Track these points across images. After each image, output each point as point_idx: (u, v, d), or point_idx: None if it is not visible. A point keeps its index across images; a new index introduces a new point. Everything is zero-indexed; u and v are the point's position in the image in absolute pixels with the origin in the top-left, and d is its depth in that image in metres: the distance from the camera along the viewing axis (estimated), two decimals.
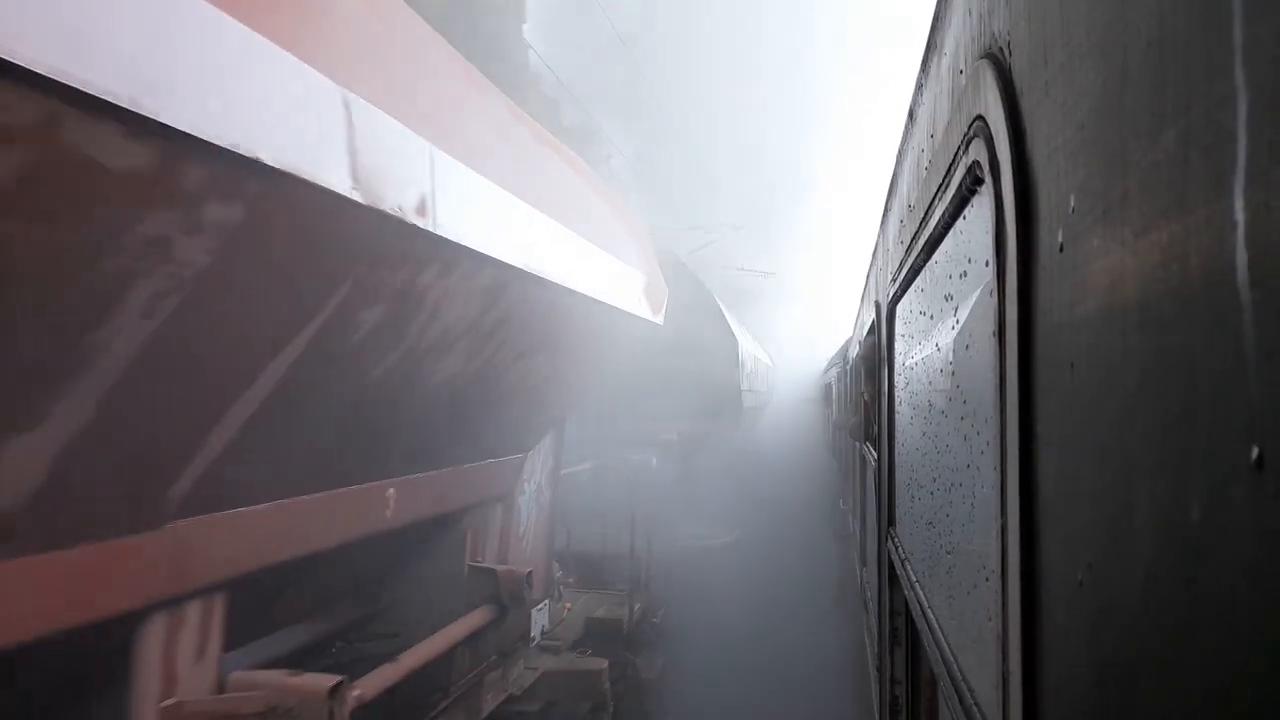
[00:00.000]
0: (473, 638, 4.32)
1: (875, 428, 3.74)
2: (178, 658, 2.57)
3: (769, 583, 10.24)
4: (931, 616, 1.75)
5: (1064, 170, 0.83)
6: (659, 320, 6.27)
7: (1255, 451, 0.45)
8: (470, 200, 3.00)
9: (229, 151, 1.87)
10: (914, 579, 2.12)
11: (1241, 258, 0.47)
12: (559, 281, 3.91)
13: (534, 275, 3.65)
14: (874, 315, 3.87)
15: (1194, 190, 0.53)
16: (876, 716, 3.50)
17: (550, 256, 3.81)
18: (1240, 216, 0.47)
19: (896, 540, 2.68)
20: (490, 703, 4.77)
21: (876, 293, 3.76)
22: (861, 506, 5.82)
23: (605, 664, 6.26)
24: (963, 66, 1.40)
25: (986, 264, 1.17)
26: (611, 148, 32.08)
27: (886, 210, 3.21)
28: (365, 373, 2.90)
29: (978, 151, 1.21)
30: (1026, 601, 0.92)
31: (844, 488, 9.51)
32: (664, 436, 10.00)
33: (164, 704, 2.52)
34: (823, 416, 17.71)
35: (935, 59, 1.79)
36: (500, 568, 4.75)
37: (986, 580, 1.14)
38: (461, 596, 4.43)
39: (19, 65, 1.44)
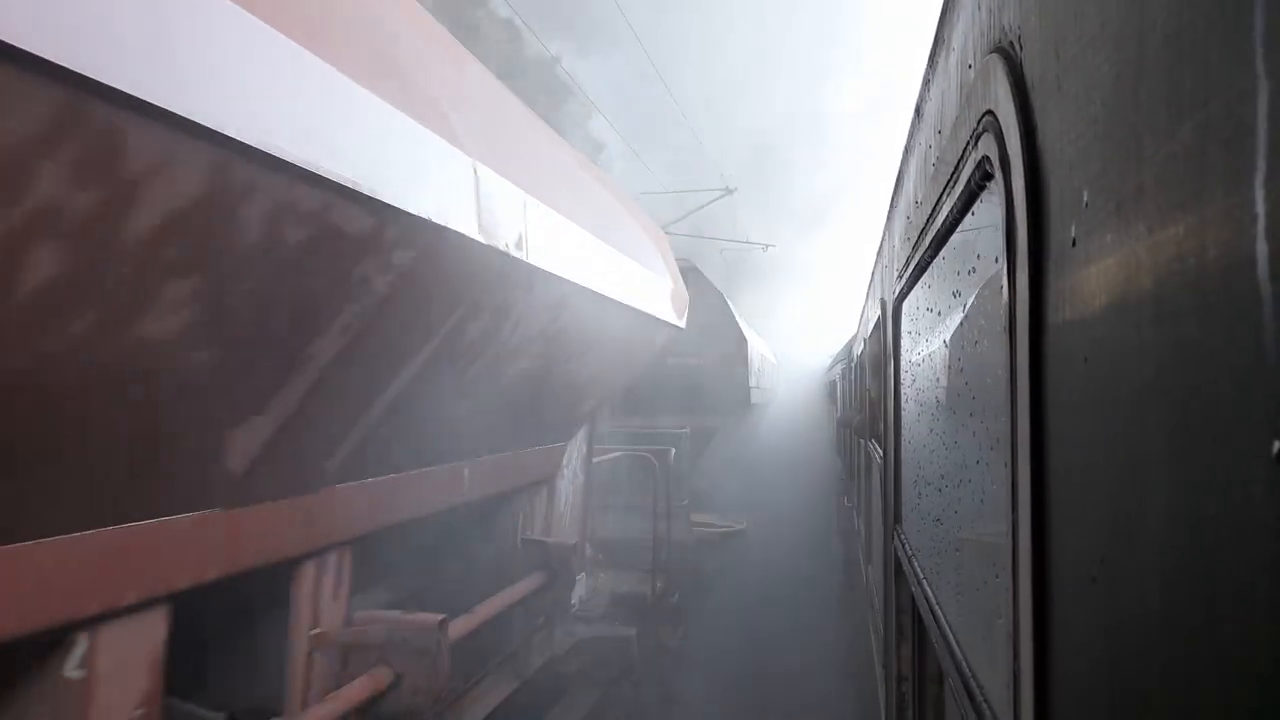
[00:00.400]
0: (523, 602, 4.94)
1: (881, 425, 3.73)
2: (321, 597, 3.35)
3: (777, 568, 11.10)
4: (939, 613, 1.74)
5: (1076, 164, 0.83)
6: (682, 324, 6.93)
7: (1276, 446, 0.45)
8: (549, 232, 3.89)
9: (417, 216, 2.71)
10: (921, 576, 2.12)
11: (1261, 250, 0.46)
12: (606, 294, 4.70)
13: (590, 290, 4.46)
14: (880, 312, 3.86)
15: (1212, 183, 0.53)
16: (883, 714, 3.50)
17: (601, 272, 4.65)
18: (1260, 209, 0.46)
19: (903, 537, 2.67)
20: (535, 662, 5.40)
21: (882, 290, 3.75)
22: (867, 503, 5.81)
23: (634, 632, 6.87)
24: (971, 61, 1.40)
25: (996, 260, 1.16)
26: (590, 105, 28.42)
27: (893, 207, 3.21)
28: (462, 373, 3.72)
29: (987, 146, 1.20)
30: (1038, 599, 0.91)
31: (848, 485, 9.53)
32: (677, 431, 10.59)
33: (312, 633, 3.29)
34: (827, 414, 17.76)
35: (943, 54, 1.78)
36: (551, 540, 5.36)
37: (997, 577, 1.14)
38: (515, 566, 5.04)
39: (316, 173, 2.20)
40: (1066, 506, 0.85)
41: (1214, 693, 0.53)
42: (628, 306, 5.16)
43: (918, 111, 2.27)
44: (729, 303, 13.44)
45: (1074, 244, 0.83)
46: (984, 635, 1.27)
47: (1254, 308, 0.47)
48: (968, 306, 1.49)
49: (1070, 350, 0.84)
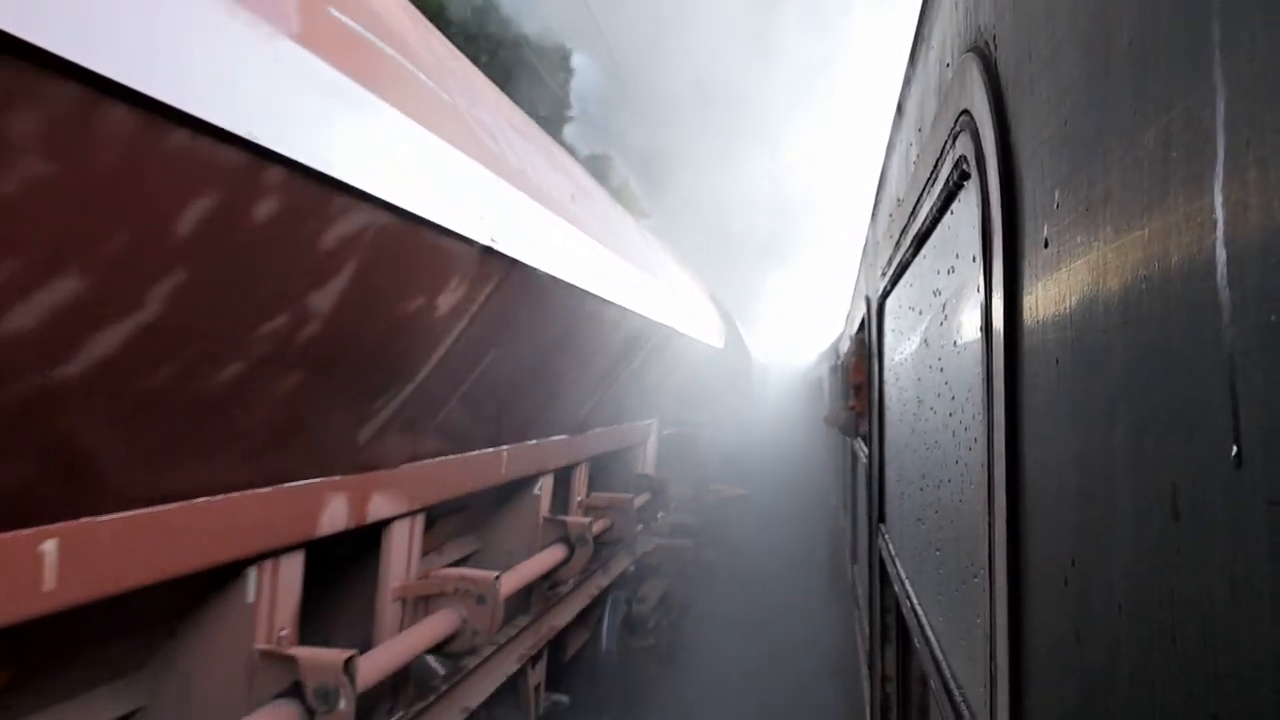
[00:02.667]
0: (638, 509, 7.89)
1: (866, 423, 3.74)
2: (578, 486, 6.78)
3: (770, 519, 16.32)
4: (921, 614, 1.75)
5: (1048, 166, 0.83)
6: (721, 346, 10.82)
7: (1234, 450, 0.45)
8: (683, 311, 7.80)
9: (654, 319, 6.64)
10: (904, 576, 2.12)
11: (1221, 256, 0.46)
12: (694, 336, 8.48)
13: (688, 335, 8.19)
14: (864, 309, 3.86)
15: (1174, 188, 0.53)
16: (868, 714, 3.50)
17: (692, 320, 8.30)
18: (1219, 215, 0.46)
19: (886, 537, 2.67)
20: (638, 551, 8.80)
21: (866, 287, 3.76)
22: (853, 501, 5.82)
23: (690, 544, 11.04)
24: (949, 60, 1.40)
25: (974, 259, 1.16)
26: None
27: (876, 203, 3.21)
28: (628, 378, 6.94)
29: (964, 146, 1.20)
30: (1013, 601, 0.91)
31: (835, 483, 9.61)
32: (702, 420, 14.32)
33: (578, 499, 6.76)
34: (814, 411, 18.55)
35: (923, 52, 1.78)
36: (653, 473, 9.56)
37: (975, 579, 1.14)
38: (632, 488, 8.66)
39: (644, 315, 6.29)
40: (1040, 508, 0.85)
41: (1179, 692, 0.53)
42: (700, 341, 9.12)
43: (899, 109, 2.27)
44: (739, 325, 17.76)
45: (1046, 245, 0.83)
46: (963, 636, 1.27)
47: (1213, 314, 0.47)
48: (947, 306, 1.50)
49: (1044, 352, 0.84)
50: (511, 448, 4.92)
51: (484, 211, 3.26)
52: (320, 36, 2.27)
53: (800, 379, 27.01)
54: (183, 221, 1.92)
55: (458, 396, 3.81)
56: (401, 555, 3.88)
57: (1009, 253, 0.97)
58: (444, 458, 4.07)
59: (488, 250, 3.27)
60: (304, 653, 2.96)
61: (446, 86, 3.22)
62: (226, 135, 1.88)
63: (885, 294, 2.75)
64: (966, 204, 1.28)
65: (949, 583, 1.43)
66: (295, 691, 2.90)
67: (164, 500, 2.40)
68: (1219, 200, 0.46)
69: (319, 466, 3.11)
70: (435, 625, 3.88)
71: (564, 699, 5.83)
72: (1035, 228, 0.88)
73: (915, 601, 1.86)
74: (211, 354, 2.26)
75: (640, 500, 8.11)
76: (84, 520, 2.18)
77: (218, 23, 1.90)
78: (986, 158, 1.06)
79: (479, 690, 4.37)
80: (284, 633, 3.10)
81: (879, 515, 2.93)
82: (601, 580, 7.17)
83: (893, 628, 2.67)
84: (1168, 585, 0.54)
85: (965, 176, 1.25)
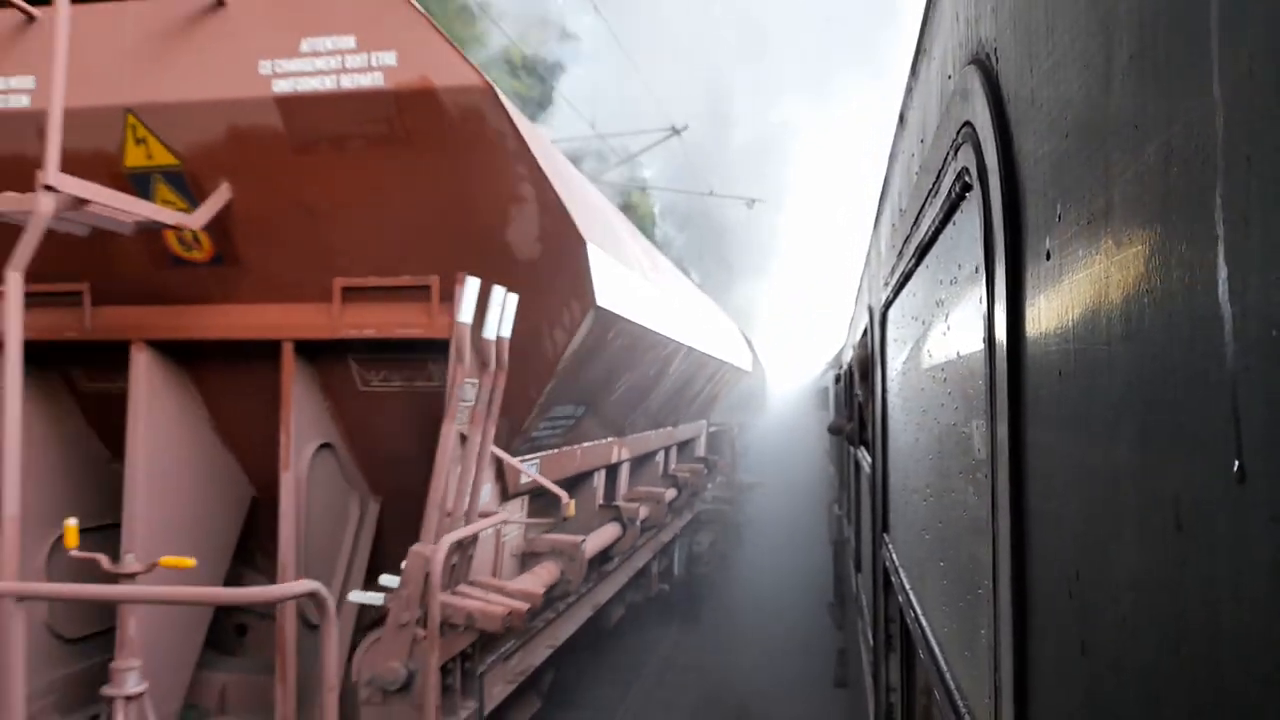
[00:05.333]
0: (701, 477, 13.76)
1: (869, 433, 3.73)
2: (673, 459, 13.18)
3: (781, 498, 21.35)
4: (925, 625, 1.74)
5: (1050, 178, 0.83)
6: (750, 369, 17.14)
7: (1236, 465, 0.45)
8: (736, 353, 15.16)
9: (731, 363, 14.41)
10: (907, 586, 2.12)
11: (1222, 272, 0.46)
12: (736, 364, 14.73)
13: (735, 365, 14.52)
14: (867, 319, 3.86)
15: (1175, 203, 0.53)
16: None
17: (734, 354, 14.35)
18: (1220, 231, 0.47)
19: (890, 547, 2.67)
20: (697, 509, 14.13)
21: (869, 296, 3.76)
22: (856, 510, 5.81)
23: (729, 508, 16.17)
24: (951, 72, 1.40)
25: (976, 270, 1.17)
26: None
27: (879, 213, 3.21)
28: (699, 396, 13.21)
29: (966, 157, 1.20)
30: (1017, 612, 0.91)
31: (840, 493, 9.59)
32: (729, 423, 18.68)
33: (672, 469, 12.89)
34: (819, 420, 18.82)
35: (924, 63, 1.79)
36: (710, 456, 15.56)
37: (979, 590, 1.13)
38: (698, 463, 14.17)
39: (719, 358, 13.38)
40: (1043, 521, 0.85)
41: (1185, 706, 0.53)
42: (739, 368, 14.85)
43: (901, 119, 2.27)
44: (756, 349, 22.05)
45: (1048, 257, 0.83)
46: (967, 648, 1.27)
47: (1216, 329, 0.47)
48: (950, 316, 1.50)
49: (1046, 364, 0.84)
50: (655, 432, 10.41)
51: (685, 330, 9.02)
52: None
53: (803, 390, 28.88)
54: (661, 371, 8.93)
55: (650, 405, 9.20)
56: (624, 479, 9.44)
57: (1011, 264, 0.97)
58: (639, 434, 9.51)
59: (690, 348, 9.00)
60: (621, 502, 8.71)
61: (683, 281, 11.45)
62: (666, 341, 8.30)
63: (888, 304, 2.75)
64: (969, 215, 1.28)
65: (953, 593, 1.43)
66: (617, 520, 8.31)
67: (591, 440, 7.81)
68: (1220, 216, 0.47)
69: (613, 433, 8.43)
70: (642, 510, 8.80)
71: (665, 587, 11.62)
72: (1037, 240, 0.88)
73: (919, 611, 1.86)
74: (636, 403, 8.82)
75: (700, 470, 13.65)
76: (565, 449, 7.15)
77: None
78: (989, 170, 1.06)
79: (643, 557, 9.84)
80: (600, 499, 8.44)
81: (883, 525, 2.92)
82: (677, 524, 12.03)
83: (897, 637, 2.67)
84: (1172, 599, 0.54)
85: (967, 188, 1.25)
